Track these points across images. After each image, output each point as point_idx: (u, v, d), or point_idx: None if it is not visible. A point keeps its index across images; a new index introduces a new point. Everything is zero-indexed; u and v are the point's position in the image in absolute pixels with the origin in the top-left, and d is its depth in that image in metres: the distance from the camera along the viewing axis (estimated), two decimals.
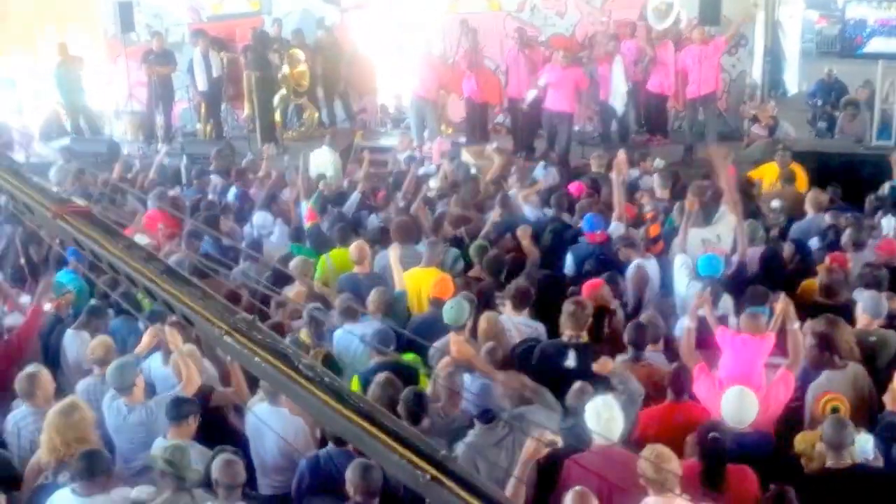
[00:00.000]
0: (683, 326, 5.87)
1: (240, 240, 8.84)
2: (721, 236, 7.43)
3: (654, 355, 6.01)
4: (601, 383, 5.31)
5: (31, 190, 3.39)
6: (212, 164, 11.56)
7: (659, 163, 10.44)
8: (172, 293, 2.74)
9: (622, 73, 12.34)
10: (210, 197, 10.25)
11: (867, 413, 5.43)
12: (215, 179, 10.89)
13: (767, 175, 10.14)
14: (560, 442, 4.49)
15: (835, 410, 5.16)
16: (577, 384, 5.18)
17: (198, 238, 8.30)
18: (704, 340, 5.90)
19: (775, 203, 9.03)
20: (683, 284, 6.90)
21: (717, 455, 4.56)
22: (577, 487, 4.13)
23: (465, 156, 11.80)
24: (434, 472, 2.22)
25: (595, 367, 5.48)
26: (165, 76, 13.84)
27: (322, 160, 11.38)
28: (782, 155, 10.26)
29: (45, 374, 5.67)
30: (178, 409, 5.18)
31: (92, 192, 10.37)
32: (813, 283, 6.87)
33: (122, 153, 13.18)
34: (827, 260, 7.24)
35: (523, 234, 7.94)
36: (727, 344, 5.68)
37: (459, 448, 4.55)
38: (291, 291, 7.11)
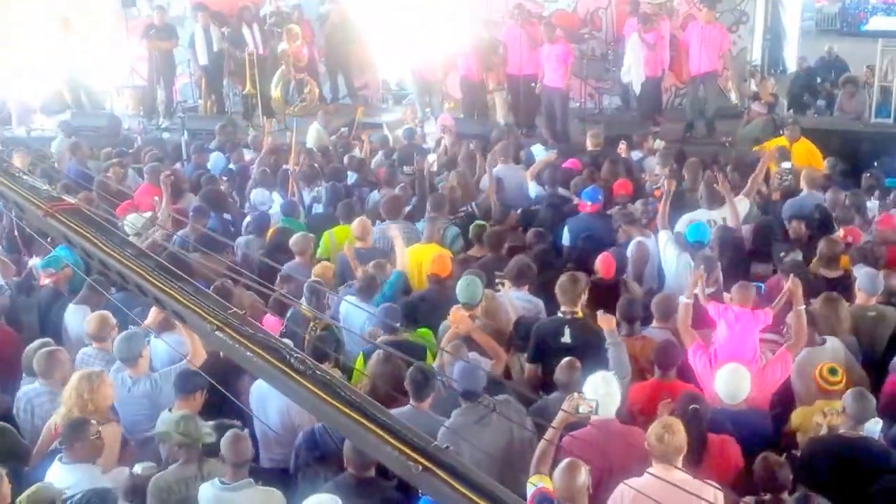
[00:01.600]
0: (680, 303, 5.92)
1: (236, 216, 8.86)
2: (727, 219, 7.51)
3: (658, 332, 6.00)
4: (595, 359, 5.37)
5: (22, 188, 3.40)
6: (215, 138, 11.60)
7: (658, 143, 10.47)
8: (163, 289, 2.76)
9: (639, 48, 12.23)
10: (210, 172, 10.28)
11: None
12: (215, 155, 10.92)
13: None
14: (596, 410, 4.57)
15: (832, 372, 5.21)
16: (565, 359, 5.23)
17: (204, 215, 8.35)
18: (702, 318, 5.95)
19: (786, 164, 9.09)
20: (673, 257, 6.96)
21: (696, 425, 4.61)
22: (568, 458, 4.20)
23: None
24: (426, 462, 2.26)
25: (599, 320, 5.53)
26: (167, 51, 13.79)
27: (311, 136, 11.44)
28: (792, 130, 10.30)
29: (64, 354, 5.70)
30: (187, 382, 5.22)
31: (90, 166, 10.48)
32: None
33: (123, 128, 13.23)
34: (841, 233, 7.34)
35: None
36: (720, 317, 5.73)
37: (440, 431, 4.51)
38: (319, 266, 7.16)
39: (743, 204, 7.54)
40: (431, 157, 9.56)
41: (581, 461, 4.13)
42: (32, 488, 4.22)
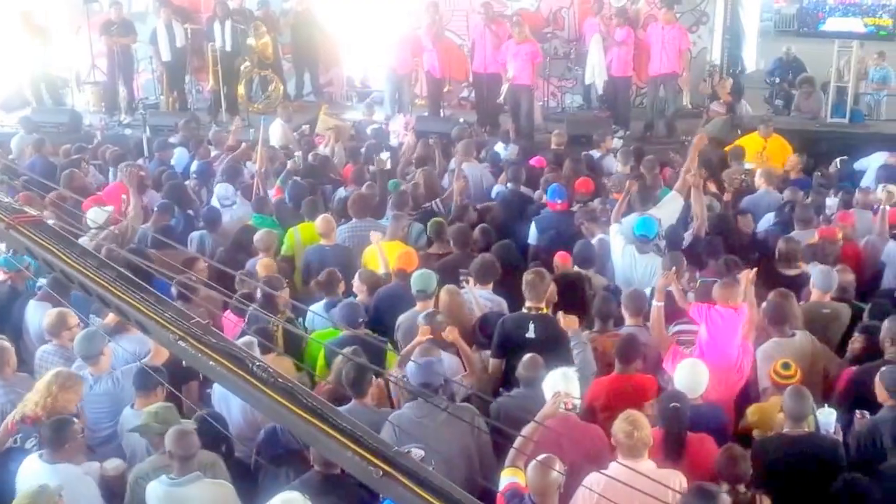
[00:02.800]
0: (652, 307, 5.97)
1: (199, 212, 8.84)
2: (668, 218, 7.54)
3: (634, 329, 6.06)
4: (558, 354, 5.44)
5: None
6: (177, 134, 11.52)
7: (617, 142, 10.62)
8: (125, 299, 2.77)
9: (600, 49, 12.38)
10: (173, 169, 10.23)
11: (818, 381, 5.62)
12: (178, 151, 10.86)
13: (750, 147, 10.34)
14: (578, 409, 4.67)
15: (786, 367, 5.34)
16: (528, 355, 5.29)
17: (167, 212, 8.31)
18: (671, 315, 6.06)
19: (748, 164, 9.27)
20: (619, 248, 7.06)
21: (677, 423, 4.68)
22: (543, 455, 4.22)
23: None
24: (386, 467, 2.29)
25: (562, 321, 5.60)
26: (125, 47, 13.63)
27: (275, 134, 11.43)
28: (764, 125, 10.48)
29: (9, 346, 5.71)
30: (147, 378, 5.22)
31: (53, 162, 10.37)
32: None
33: (84, 124, 13.09)
34: (836, 219, 7.55)
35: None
36: (704, 318, 5.76)
37: (385, 426, 4.55)
38: (260, 262, 7.15)
39: (677, 201, 7.55)
40: (385, 155, 9.58)
41: (556, 457, 4.16)
42: (35, 489, 4.23)
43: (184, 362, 2.79)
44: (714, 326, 5.69)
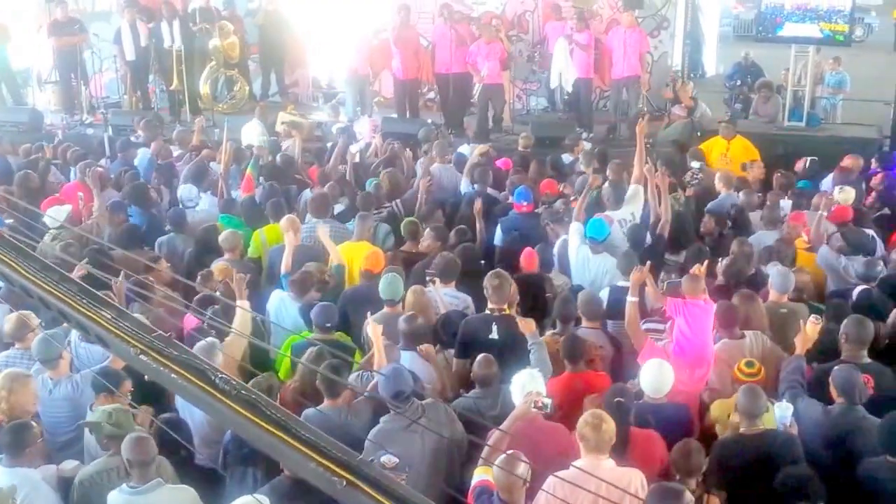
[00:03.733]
0: (627, 302, 6.04)
1: (163, 212, 8.80)
2: (635, 214, 7.74)
3: (590, 332, 6.12)
4: (522, 355, 5.52)
5: None
6: (137, 133, 11.42)
7: (586, 145, 10.74)
8: (86, 314, 2.73)
9: (564, 52, 12.49)
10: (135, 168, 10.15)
11: (772, 381, 5.68)
12: (142, 151, 10.77)
13: (714, 149, 10.51)
14: (549, 408, 4.72)
15: (749, 364, 5.45)
16: (482, 355, 5.35)
17: (122, 211, 8.26)
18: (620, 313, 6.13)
19: (696, 164, 9.44)
20: (574, 248, 7.18)
21: (620, 418, 4.70)
22: (509, 451, 4.27)
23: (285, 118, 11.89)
24: (350, 477, 2.29)
25: (520, 324, 5.66)
26: (74, 46, 13.43)
27: (251, 133, 11.38)
28: (726, 128, 10.67)
29: None
30: (107, 380, 5.13)
31: (11, 162, 10.24)
32: None
33: (45, 123, 12.92)
34: (788, 220, 7.71)
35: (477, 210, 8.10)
36: (680, 313, 5.82)
37: (369, 440, 4.52)
38: (216, 266, 7.14)
39: (640, 193, 7.69)
40: (355, 148, 9.61)
41: (521, 454, 4.21)
42: None
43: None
44: (692, 319, 5.75)
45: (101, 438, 4.85)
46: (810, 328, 5.48)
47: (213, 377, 2.48)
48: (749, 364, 5.46)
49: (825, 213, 7.64)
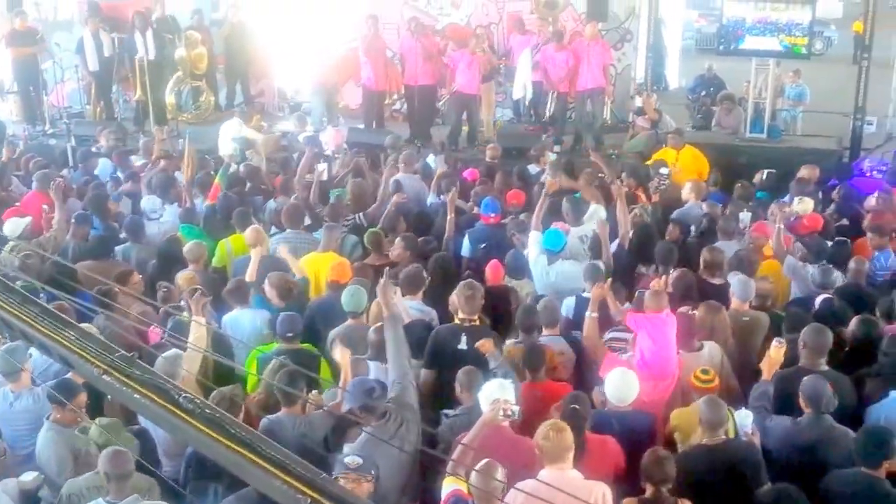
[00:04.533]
0: (587, 317, 6.08)
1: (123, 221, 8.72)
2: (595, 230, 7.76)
3: (550, 339, 6.15)
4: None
5: None
6: (99, 143, 11.30)
7: (551, 156, 10.83)
8: (49, 335, 2.74)
9: (528, 64, 12.60)
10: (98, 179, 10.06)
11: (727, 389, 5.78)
12: (103, 162, 10.67)
13: (665, 159, 10.53)
14: (517, 415, 4.72)
15: (705, 372, 5.51)
16: (463, 368, 5.32)
17: (87, 223, 8.18)
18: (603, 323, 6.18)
19: (664, 170, 9.56)
20: (534, 257, 7.22)
21: (576, 424, 4.72)
22: (485, 460, 4.26)
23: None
24: (314, 495, 2.30)
25: (476, 344, 5.64)
26: (31, 56, 13.30)
27: (228, 132, 11.37)
28: (674, 138, 10.82)
29: None
30: (66, 392, 5.05)
31: None
32: None
33: (8, 134, 12.75)
34: (750, 231, 7.81)
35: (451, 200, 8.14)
36: (642, 327, 5.86)
37: (349, 451, 4.51)
38: (181, 276, 7.11)
39: (600, 212, 7.73)
40: (322, 166, 9.60)
41: (497, 463, 4.20)
42: None
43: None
44: (654, 332, 5.79)
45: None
46: (774, 352, 5.51)
47: (176, 396, 2.48)
48: (705, 371, 5.52)
49: (782, 226, 7.77)
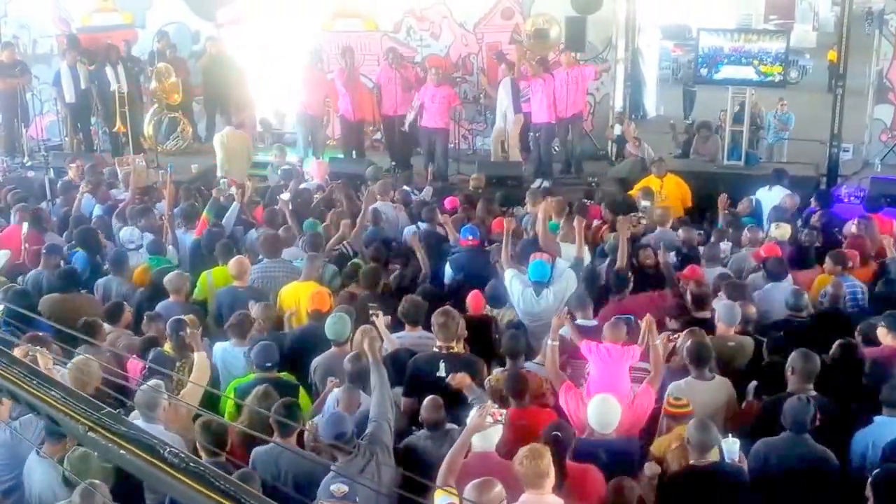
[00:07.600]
0: (547, 345, 6.05)
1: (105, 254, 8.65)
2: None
3: (539, 366, 6.14)
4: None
5: None
6: (72, 178, 11.19)
7: (536, 182, 10.88)
8: (36, 394, 2.76)
9: (509, 94, 12.67)
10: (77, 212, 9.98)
11: (735, 421, 5.76)
12: (85, 199, 10.56)
13: (651, 187, 10.61)
14: (503, 419, 4.73)
15: (677, 398, 5.51)
16: (427, 399, 5.32)
17: (58, 253, 8.11)
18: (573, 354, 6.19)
19: (645, 203, 9.61)
20: (518, 294, 7.14)
21: (556, 451, 4.68)
22: (482, 478, 4.24)
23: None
24: None
25: (450, 380, 5.62)
26: (16, 88, 13.28)
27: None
28: (657, 166, 10.91)
29: None
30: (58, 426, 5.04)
31: None
32: None
33: None
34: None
35: (414, 243, 8.14)
36: (592, 354, 5.90)
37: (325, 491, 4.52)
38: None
39: (571, 279, 7.40)
40: (286, 196, 9.59)
41: (494, 479, 4.19)
42: None
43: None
44: (601, 362, 5.80)
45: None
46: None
47: (161, 451, 2.49)
48: (677, 398, 5.53)
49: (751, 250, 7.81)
